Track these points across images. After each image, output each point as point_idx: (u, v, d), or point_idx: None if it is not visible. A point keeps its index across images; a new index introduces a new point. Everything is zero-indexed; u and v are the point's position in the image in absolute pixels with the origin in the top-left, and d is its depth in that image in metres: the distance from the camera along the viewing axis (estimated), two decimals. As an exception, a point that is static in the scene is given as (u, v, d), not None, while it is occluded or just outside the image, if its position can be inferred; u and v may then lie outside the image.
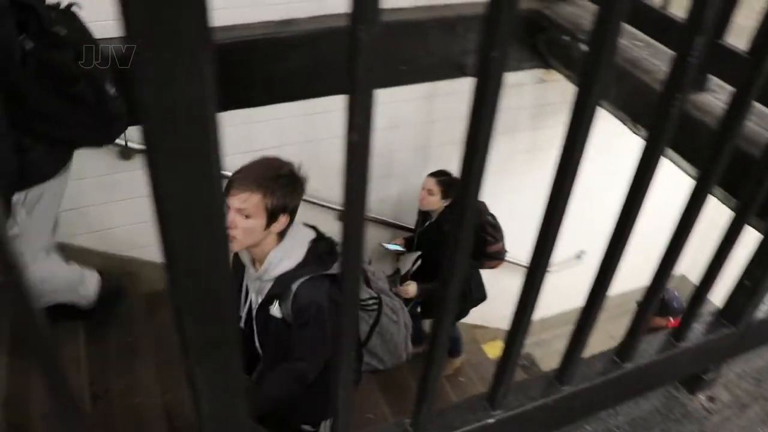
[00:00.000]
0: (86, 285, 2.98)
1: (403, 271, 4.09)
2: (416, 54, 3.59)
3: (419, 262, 4.01)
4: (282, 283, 2.05)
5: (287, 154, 3.40)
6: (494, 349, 5.26)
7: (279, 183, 1.94)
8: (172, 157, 0.41)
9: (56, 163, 2.47)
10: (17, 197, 2.37)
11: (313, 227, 2.21)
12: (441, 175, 3.78)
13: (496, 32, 0.54)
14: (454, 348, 4.58)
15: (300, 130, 3.67)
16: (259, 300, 2.14)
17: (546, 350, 6.00)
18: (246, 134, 3.39)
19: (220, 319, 0.51)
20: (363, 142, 0.49)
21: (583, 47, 3.48)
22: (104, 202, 3.38)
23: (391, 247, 4.19)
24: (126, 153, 3.23)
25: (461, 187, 0.63)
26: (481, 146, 0.60)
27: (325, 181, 4.01)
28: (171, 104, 0.39)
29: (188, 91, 0.39)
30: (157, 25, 0.36)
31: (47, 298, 2.82)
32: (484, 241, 3.84)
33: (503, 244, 3.95)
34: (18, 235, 2.46)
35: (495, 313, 5.24)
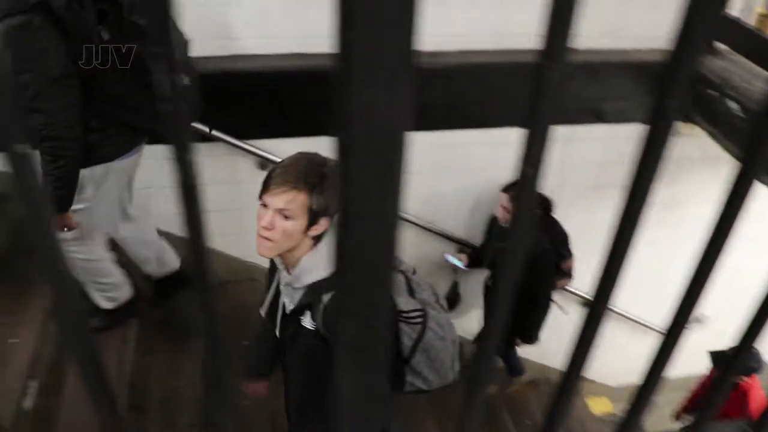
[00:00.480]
0: (121, 291, 3.04)
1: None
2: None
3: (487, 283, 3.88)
4: (313, 292, 1.84)
5: (415, 182, 3.44)
6: (599, 405, 5.07)
7: (325, 182, 1.74)
8: (362, 172, 0.44)
9: (120, 146, 2.53)
10: (85, 173, 2.47)
11: None
12: (514, 189, 3.57)
13: (674, 79, 0.54)
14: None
15: (430, 160, 3.72)
16: (291, 308, 1.94)
17: (656, 415, 5.71)
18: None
19: (377, 324, 0.54)
20: (535, 175, 0.51)
21: (732, 104, 3.34)
22: (237, 208, 3.55)
23: (453, 260, 3.98)
24: (264, 164, 3.40)
25: (616, 234, 0.63)
26: (643, 193, 0.60)
27: (444, 212, 4.06)
28: (369, 121, 0.42)
29: (387, 111, 0.42)
30: (365, 44, 0.39)
31: (83, 279, 2.89)
32: (560, 255, 3.68)
33: (573, 261, 3.78)
34: (84, 209, 2.58)
35: (603, 367, 5.06)
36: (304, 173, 1.73)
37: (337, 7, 0.39)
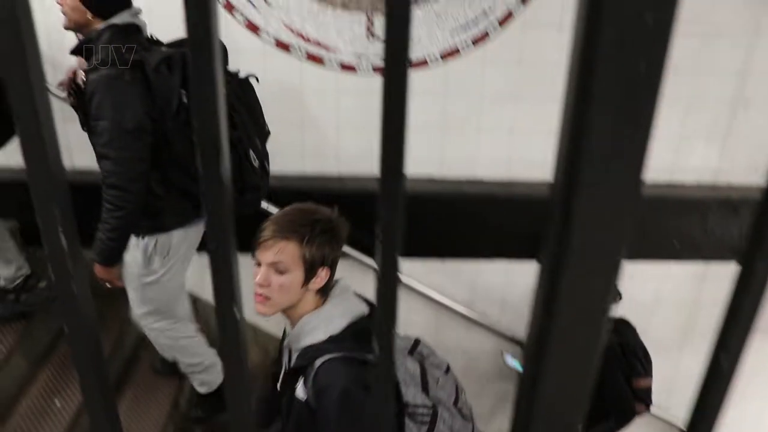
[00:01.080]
0: (213, 374, 2.95)
1: None
2: (692, 231, 3.46)
3: None
4: (306, 356, 1.66)
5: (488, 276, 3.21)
6: None
7: (316, 229, 1.65)
8: (574, 292, 0.42)
9: (178, 217, 2.53)
10: (147, 242, 2.49)
11: (370, 303, 1.79)
12: None
13: None
14: None
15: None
16: (287, 368, 1.77)
17: None
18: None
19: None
20: (731, 370, 0.47)
21: None
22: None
23: (512, 362, 3.44)
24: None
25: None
26: None
27: (511, 312, 3.85)
28: (590, 245, 0.41)
29: (609, 235, 0.40)
30: (593, 174, 0.39)
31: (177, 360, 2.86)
32: (632, 368, 3.15)
33: (651, 382, 3.22)
34: (155, 282, 2.59)
35: None
36: (293, 223, 1.66)
37: (563, 136, 0.39)
